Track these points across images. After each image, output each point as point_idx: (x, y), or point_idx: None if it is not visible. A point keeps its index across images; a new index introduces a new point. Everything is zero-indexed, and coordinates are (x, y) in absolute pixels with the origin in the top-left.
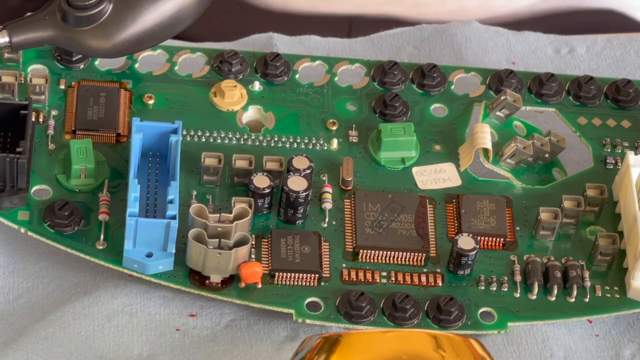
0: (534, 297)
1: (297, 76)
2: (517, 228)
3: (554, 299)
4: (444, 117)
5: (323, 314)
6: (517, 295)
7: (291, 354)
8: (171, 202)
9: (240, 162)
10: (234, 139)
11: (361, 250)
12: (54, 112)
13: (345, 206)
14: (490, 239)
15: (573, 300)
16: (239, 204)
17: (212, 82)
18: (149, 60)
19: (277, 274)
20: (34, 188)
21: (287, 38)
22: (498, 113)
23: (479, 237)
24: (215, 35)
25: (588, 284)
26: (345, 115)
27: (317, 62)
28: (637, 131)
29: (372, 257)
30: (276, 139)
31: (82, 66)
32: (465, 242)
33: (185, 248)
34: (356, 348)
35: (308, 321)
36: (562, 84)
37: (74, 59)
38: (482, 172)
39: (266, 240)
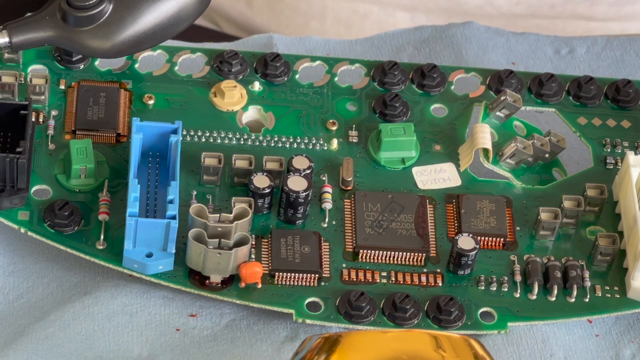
0: (534, 297)
1: (297, 76)
2: (517, 228)
3: (554, 299)
4: (444, 117)
5: (323, 314)
6: (517, 295)
7: (291, 354)
8: (171, 202)
9: (240, 162)
10: (234, 139)
11: (361, 250)
12: (54, 112)
13: (345, 206)
14: (490, 239)
15: (573, 300)
16: (239, 204)
17: (212, 82)
18: (149, 60)
19: (277, 274)
20: (34, 188)
21: (287, 38)
22: (498, 113)
23: (479, 237)
24: (215, 36)
25: (588, 284)
26: (345, 115)
27: (317, 62)
28: (637, 131)
29: (372, 257)
30: (276, 139)
31: (82, 66)
32: (465, 242)
33: (185, 248)
34: (356, 348)
35: (308, 321)
36: (562, 84)
37: (74, 59)
38: (482, 172)
39: (266, 240)
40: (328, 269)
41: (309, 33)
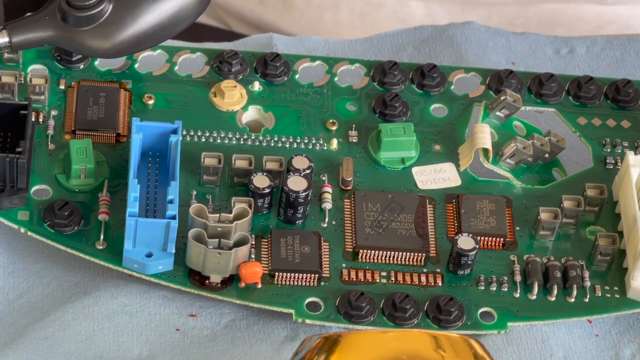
0: (534, 297)
1: (297, 76)
2: (517, 228)
3: (554, 299)
4: (444, 117)
5: (323, 314)
6: (517, 295)
7: (291, 354)
8: (171, 202)
9: (240, 162)
10: (234, 139)
11: (361, 250)
12: (53, 112)
13: (345, 206)
14: (490, 239)
15: (573, 300)
16: (239, 204)
17: (212, 82)
18: (149, 60)
19: (277, 274)
20: (34, 188)
21: (287, 38)
22: (498, 113)
23: (479, 237)
24: (215, 36)
25: (588, 284)
26: (345, 115)
27: (317, 62)
28: (637, 131)
29: (372, 257)
30: (276, 139)
31: (82, 66)
32: (465, 242)
33: (185, 248)
34: (356, 348)
35: (308, 321)
36: (562, 84)
37: (74, 59)
38: (482, 172)
39: (266, 240)
40: (328, 269)
41: (323, 26)
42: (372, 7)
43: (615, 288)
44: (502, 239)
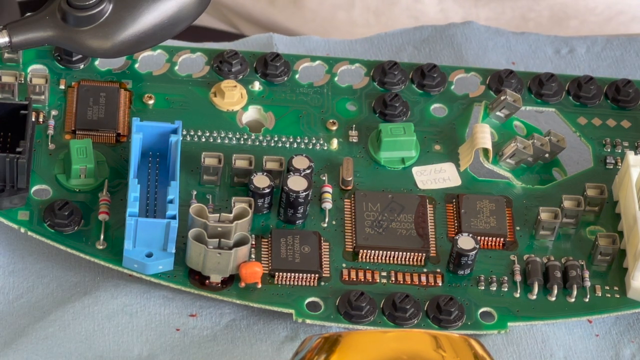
0: (534, 297)
1: (297, 76)
2: (517, 228)
3: (554, 299)
4: (444, 117)
5: (323, 314)
6: (517, 295)
7: (291, 354)
8: (171, 202)
9: (240, 162)
10: (234, 139)
11: (361, 250)
12: (54, 112)
13: (345, 206)
14: (490, 239)
15: (573, 300)
16: (239, 204)
17: (212, 82)
18: (149, 60)
19: (277, 274)
20: (34, 188)
21: (287, 38)
22: (498, 113)
23: (479, 237)
24: (215, 36)
25: (588, 284)
26: (345, 115)
27: (317, 62)
28: (637, 131)
29: (372, 257)
30: (276, 139)
31: (82, 66)
32: (465, 242)
33: (185, 248)
34: (356, 348)
35: (308, 321)
36: (562, 84)
37: (74, 59)
38: (482, 172)
39: (266, 240)
40: (328, 268)
41: (337, 24)
42: (385, 4)
43: (616, 288)
44: (502, 239)
